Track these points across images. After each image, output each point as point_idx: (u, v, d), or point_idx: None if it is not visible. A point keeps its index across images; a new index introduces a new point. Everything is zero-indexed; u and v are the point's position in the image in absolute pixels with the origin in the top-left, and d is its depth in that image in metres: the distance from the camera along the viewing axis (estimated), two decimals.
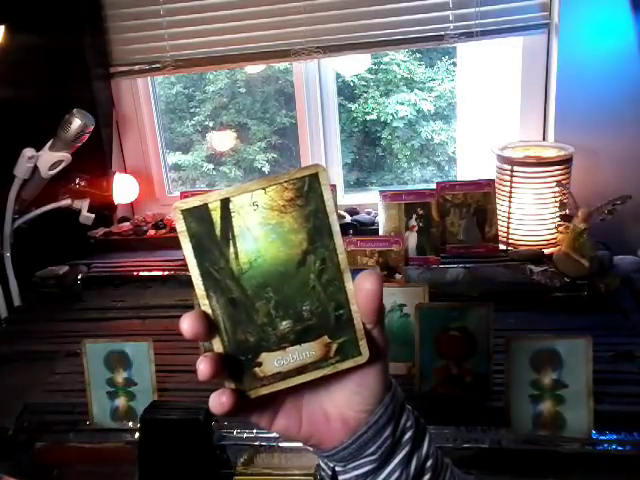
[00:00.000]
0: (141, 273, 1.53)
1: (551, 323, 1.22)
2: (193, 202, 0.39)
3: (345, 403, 0.44)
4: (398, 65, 4.17)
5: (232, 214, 0.39)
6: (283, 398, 0.44)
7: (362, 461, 0.45)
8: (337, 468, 0.47)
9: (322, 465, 0.48)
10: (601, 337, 1.08)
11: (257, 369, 0.41)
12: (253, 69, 2.91)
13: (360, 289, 0.40)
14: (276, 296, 0.40)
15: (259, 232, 0.40)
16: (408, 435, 0.46)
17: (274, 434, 0.96)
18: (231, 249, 0.40)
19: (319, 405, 0.45)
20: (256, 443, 0.97)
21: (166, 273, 1.51)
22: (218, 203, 0.39)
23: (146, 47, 1.69)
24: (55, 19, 1.57)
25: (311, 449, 0.47)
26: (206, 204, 0.39)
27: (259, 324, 0.41)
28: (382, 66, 4.18)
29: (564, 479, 0.90)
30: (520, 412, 0.93)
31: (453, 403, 1.00)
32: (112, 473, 1.02)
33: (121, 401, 1.06)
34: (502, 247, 1.44)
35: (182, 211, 0.39)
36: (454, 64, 3.62)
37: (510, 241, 1.45)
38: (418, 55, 4.16)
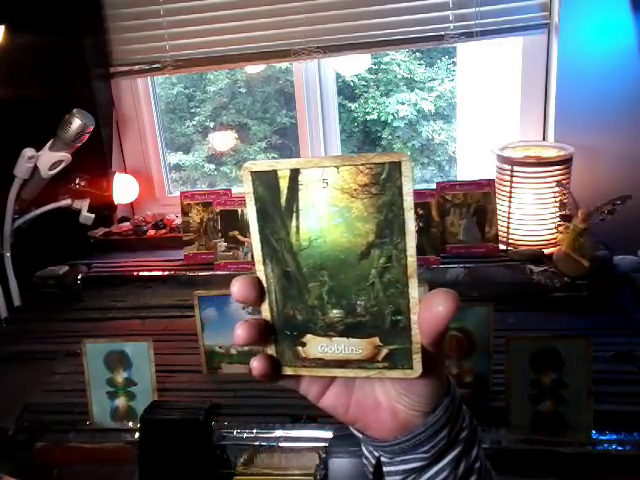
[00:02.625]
0: (141, 273, 1.53)
1: (551, 323, 1.22)
2: (263, 166, 0.38)
3: (396, 397, 0.42)
4: (398, 65, 4.17)
5: (300, 186, 0.37)
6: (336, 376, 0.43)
7: (412, 457, 0.43)
8: (383, 459, 0.45)
9: (366, 453, 0.47)
10: (601, 337, 1.09)
11: (300, 348, 0.40)
12: (253, 69, 2.90)
13: (429, 308, 0.37)
14: (331, 281, 0.39)
15: (324, 211, 0.37)
16: (462, 435, 0.44)
17: (274, 434, 0.96)
18: (293, 222, 0.38)
19: (372, 391, 0.43)
20: (256, 443, 0.98)
21: (166, 273, 1.51)
22: (287, 172, 0.37)
23: (146, 47, 1.69)
24: (55, 19, 1.57)
25: (356, 432, 0.46)
26: (275, 170, 0.37)
27: (309, 305, 0.39)
28: (382, 66, 4.18)
29: (564, 479, 0.90)
30: (520, 412, 0.93)
31: None
32: (112, 473, 1.02)
33: (121, 401, 1.06)
34: (502, 247, 1.44)
35: (252, 172, 0.38)
36: (454, 64, 3.62)
37: (510, 241, 1.45)
38: (418, 55, 4.16)
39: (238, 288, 0.39)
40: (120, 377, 1.06)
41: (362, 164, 0.36)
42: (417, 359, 0.38)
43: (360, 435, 0.46)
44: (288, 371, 0.41)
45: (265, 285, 0.40)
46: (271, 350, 0.41)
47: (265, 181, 0.38)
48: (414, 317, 0.38)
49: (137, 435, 1.00)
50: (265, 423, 0.99)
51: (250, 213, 0.39)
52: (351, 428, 0.46)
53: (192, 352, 1.17)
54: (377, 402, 0.43)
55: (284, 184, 0.38)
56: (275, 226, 0.39)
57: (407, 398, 0.42)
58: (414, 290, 0.37)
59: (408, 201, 0.36)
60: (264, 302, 0.40)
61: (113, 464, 1.02)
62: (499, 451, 0.90)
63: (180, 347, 1.24)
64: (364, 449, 0.47)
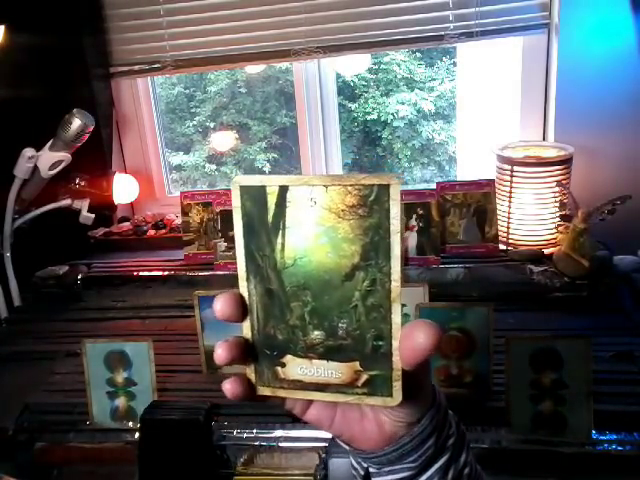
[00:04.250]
0: (141, 273, 1.53)
1: (551, 323, 1.22)
2: (252, 180, 0.38)
3: (382, 410, 0.42)
4: (398, 65, 4.17)
5: (288, 203, 0.37)
6: None
7: (400, 467, 0.43)
8: (371, 469, 0.45)
9: (354, 464, 0.47)
10: (601, 337, 1.09)
11: (279, 368, 0.40)
12: (253, 69, 2.90)
13: (409, 338, 0.37)
14: (314, 302, 0.38)
15: (310, 230, 0.37)
16: (449, 442, 0.44)
17: (274, 434, 0.96)
18: (279, 239, 0.38)
19: (357, 405, 0.43)
20: (256, 443, 0.98)
21: (166, 273, 1.51)
22: (276, 188, 0.37)
23: (146, 47, 1.69)
24: (55, 19, 1.57)
25: (343, 445, 0.46)
26: (264, 186, 0.37)
27: (291, 325, 0.39)
28: (382, 66, 4.18)
29: (564, 479, 0.90)
30: (520, 412, 0.93)
31: (453, 403, 1.00)
32: (112, 473, 1.02)
33: (121, 401, 1.06)
34: (502, 247, 1.44)
35: (241, 186, 0.38)
36: (454, 64, 3.62)
37: (510, 241, 1.45)
38: (418, 55, 4.16)
39: (221, 306, 0.39)
40: (120, 377, 1.05)
41: (351, 185, 0.36)
42: (397, 387, 0.38)
43: (347, 447, 0.46)
44: (266, 391, 0.41)
45: (247, 302, 0.40)
46: (250, 369, 0.41)
47: (253, 196, 0.38)
48: (395, 343, 0.37)
49: (137, 435, 1.01)
50: (265, 423, 0.99)
51: (236, 227, 0.38)
52: (338, 440, 0.46)
53: (192, 352, 1.17)
54: (362, 414, 0.43)
55: (272, 200, 0.38)
56: (260, 242, 0.38)
57: (391, 412, 0.42)
58: (397, 316, 0.37)
59: (395, 225, 0.36)
60: (245, 320, 0.40)
61: (113, 464, 1.02)
62: (499, 451, 0.90)
63: (180, 347, 1.24)
64: (352, 460, 0.47)
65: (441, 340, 0.36)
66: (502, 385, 0.95)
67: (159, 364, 1.07)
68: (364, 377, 0.38)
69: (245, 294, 0.39)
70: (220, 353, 0.39)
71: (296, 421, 0.98)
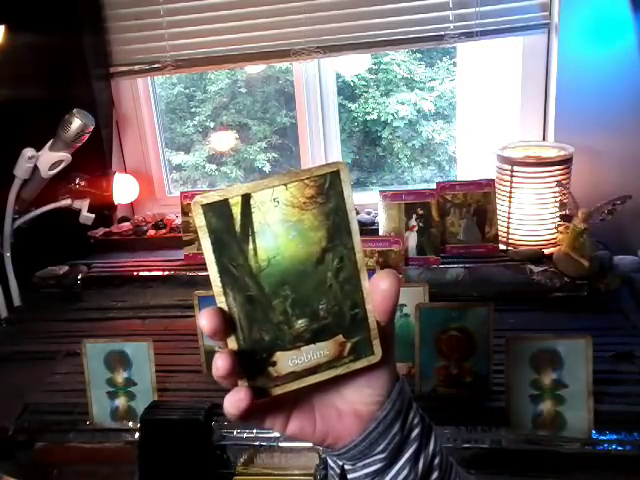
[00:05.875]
0: (141, 273, 1.53)
1: (551, 323, 1.22)
2: (214, 197, 0.38)
3: (356, 397, 0.44)
4: (398, 65, 4.17)
5: (252, 210, 0.39)
6: (295, 399, 0.44)
7: (371, 459, 0.45)
8: (346, 467, 0.46)
9: (331, 463, 0.48)
10: (601, 337, 1.08)
11: (271, 368, 0.41)
12: (253, 69, 2.91)
13: (376, 288, 0.41)
14: (293, 294, 0.40)
15: (279, 229, 0.39)
16: (415, 432, 0.45)
17: (274, 434, 0.96)
18: (250, 245, 0.39)
19: (330, 403, 0.45)
20: (256, 443, 0.97)
21: (166, 273, 1.51)
22: (239, 198, 0.39)
23: (146, 47, 1.69)
24: (55, 19, 1.57)
25: (327, 449, 0.47)
26: (227, 199, 0.38)
27: (275, 322, 0.40)
28: (382, 66, 4.18)
29: (564, 479, 0.90)
30: (520, 412, 0.93)
31: (453, 403, 1.00)
32: (112, 473, 1.02)
33: (121, 401, 1.06)
34: (502, 247, 1.44)
35: (202, 206, 0.38)
36: (454, 64, 3.62)
37: (510, 241, 1.45)
38: (418, 55, 4.16)
39: (207, 321, 0.38)
40: (120, 377, 1.05)
41: (307, 178, 0.39)
42: (377, 344, 0.41)
43: (328, 449, 0.47)
44: (263, 395, 0.41)
45: (229, 315, 0.40)
46: (241, 381, 0.41)
47: (218, 211, 0.39)
48: (369, 307, 0.41)
49: (137, 435, 1.00)
50: None
51: (205, 245, 0.39)
52: (322, 448, 0.47)
53: (192, 352, 1.17)
54: (339, 411, 0.45)
55: (237, 211, 0.39)
56: (232, 253, 0.39)
57: (369, 388, 0.44)
58: (365, 282, 0.40)
59: (349, 203, 0.39)
60: (229, 335, 0.40)
61: (113, 464, 1.02)
62: (499, 451, 0.90)
63: (180, 347, 1.24)
64: (329, 461, 0.48)
65: (399, 281, 0.41)
66: (502, 385, 0.95)
67: (159, 364, 1.07)
68: (348, 346, 0.41)
69: (225, 308, 0.40)
70: (220, 365, 0.38)
71: None
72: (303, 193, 0.39)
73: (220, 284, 0.39)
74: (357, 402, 0.44)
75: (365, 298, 0.41)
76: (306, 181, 0.39)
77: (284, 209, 0.39)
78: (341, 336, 0.41)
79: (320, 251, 0.40)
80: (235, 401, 0.39)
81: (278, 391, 0.41)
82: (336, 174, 0.39)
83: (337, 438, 0.45)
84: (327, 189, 0.39)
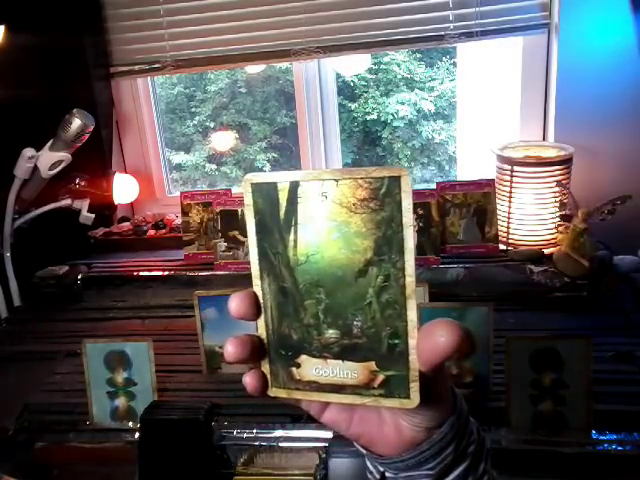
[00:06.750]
0: (141, 273, 1.53)
1: (551, 323, 1.22)
2: (264, 177, 0.37)
3: (404, 417, 0.40)
4: (398, 65, 4.18)
5: (299, 199, 0.37)
6: None
7: (418, 473, 0.42)
8: (387, 474, 0.44)
9: (370, 467, 0.46)
10: (601, 337, 1.08)
11: (294, 369, 0.39)
12: (253, 69, 2.91)
13: (430, 337, 0.35)
14: (327, 299, 0.37)
15: (322, 226, 0.37)
16: (470, 450, 0.42)
17: (274, 434, 0.96)
18: (291, 236, 0.37)
19: (375, 409, 0.41)
20: (256, 443, 0.97)
21: (166, 273, 1.51)
22: (287, 184, 0.37)
23: (146, 47, 1.69)
24: (55, 19, 1.57)
25: (360, 448, 0.45)
26: (275, 183, 0.37)
27: (305, 323, 0.38)
28: (382, 66, 4.18)
29: (564, 479, 0.90)
30: (520, 412, 0.93)
31: None
32: (112, 473, 1.02)
33: (121, 401, 1.06)
34: (502, 247, 1.44)
35: (252, 184, 0.37)
36: (454, 64, 3.62)
37: (510, 241, 1.45)
38: (418, 55, 4.16)
39: (237, 304, 0.39)
40: (120, 377, 1.05)
41: (361, 178, 0.35)
42: (414, 388, 0.37)
43: (364, 450, 0.45)
44: (281, 393, 0.40)
45: (262, 301, 0.39)
46: (265, 369, 0.40)
47: (265, 193, 0.37)
48: (412, 342, 0.36)
49: (137, 435, 1.00)
50: (265, 423, 0.99)
51: (249, 226, 0.38)
52: (355, 444, 0.45)
53: (192, 352, 1.17)
54: (381, 418, 0.42)
55: (283, 197, 0.37)
56: (273, 239, 0.38)
57: (409, 417, 0.40)
58: (412, 312, 0.36)
59: (407, 217, 0.35)
60: (260, 318, 0.39)
61: (113, 464, 1.02)
62: (499, 451, 0.90)
63: (180, 347, 1.24)
64: (368, 464, 0.46)
65: (463, 341, 0.34)
66: (502, 385, 0.95)
67: (159, 364, 1.07)
68: (380, 377, 0.37)
69: (259, 293, 0.39)
70: (230, 350, 0.38)
71: (296, 421, 0.98)
72: (354, 193, 0.36)
73: (258, 267, 0.39)
74: (403, 421, 0.41)
75: (409, 331, 0.36)
76: (360, 181, 0.35)
77: (331, 206, 0.36)
78: (374, 364, 0.37)
79: (364, 262, 0.36)
80: (250, 386, 0.40)
81: (297, 395, 0.40)
82: (396, 180, 0.34)
83: (371, 443, 0.43)
84: (383, 195, 0.35)
